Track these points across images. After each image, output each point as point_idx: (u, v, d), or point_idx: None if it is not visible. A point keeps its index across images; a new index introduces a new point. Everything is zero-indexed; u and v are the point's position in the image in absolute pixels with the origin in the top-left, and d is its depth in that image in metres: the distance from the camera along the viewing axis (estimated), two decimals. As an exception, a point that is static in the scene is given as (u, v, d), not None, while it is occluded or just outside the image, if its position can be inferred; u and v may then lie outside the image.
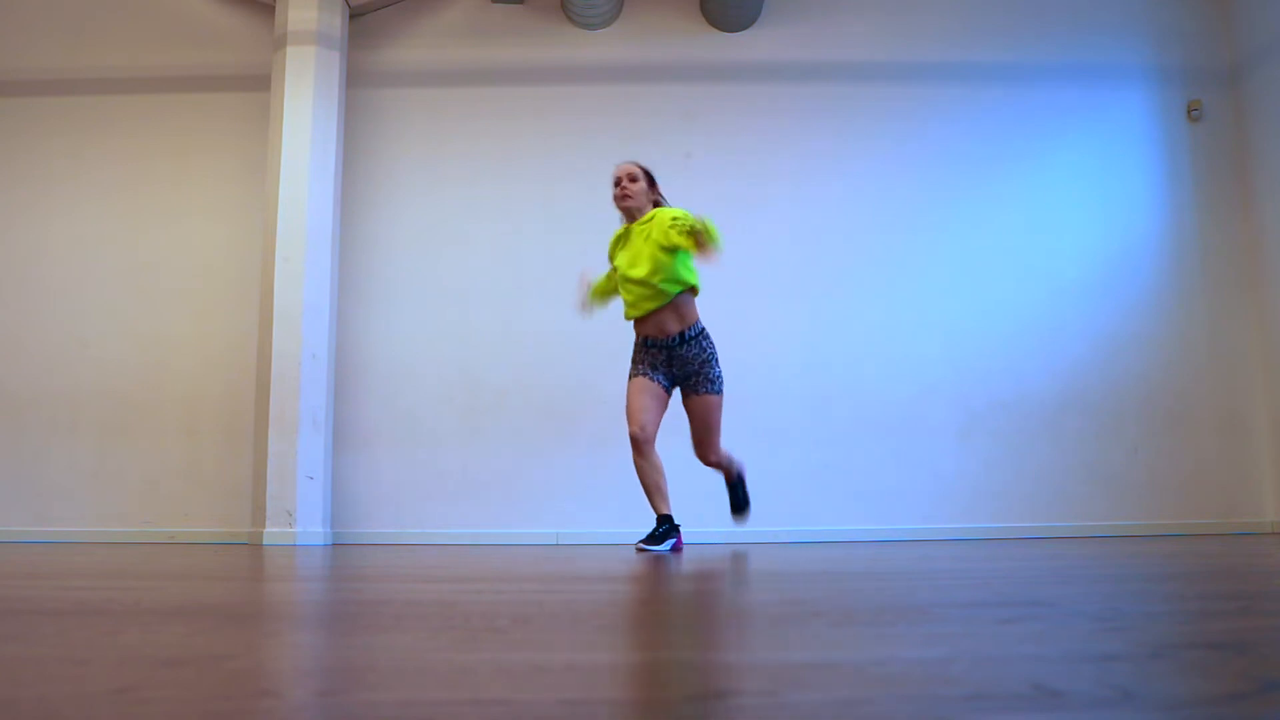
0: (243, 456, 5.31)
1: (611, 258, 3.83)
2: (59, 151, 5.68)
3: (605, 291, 3.90)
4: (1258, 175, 5.62)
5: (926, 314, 5.53)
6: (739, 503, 3.87)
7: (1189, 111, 5.78)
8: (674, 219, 3.49)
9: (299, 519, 4.97)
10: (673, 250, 3.52)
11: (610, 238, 3.88)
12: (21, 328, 5.53)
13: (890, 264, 5.58)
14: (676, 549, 3.55)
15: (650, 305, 3.58)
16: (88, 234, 5.60)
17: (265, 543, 4.89)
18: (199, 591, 1.80)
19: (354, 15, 5.70)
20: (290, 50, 5.36)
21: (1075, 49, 5.84)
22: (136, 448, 5.39)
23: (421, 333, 5.52)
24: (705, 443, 3.69)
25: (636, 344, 3.71)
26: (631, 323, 3.71)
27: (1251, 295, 5.62)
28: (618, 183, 3.75)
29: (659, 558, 3.10)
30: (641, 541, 3.55)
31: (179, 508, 5.34)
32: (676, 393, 3.72)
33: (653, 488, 3.56)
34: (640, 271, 3.55)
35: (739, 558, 3.05)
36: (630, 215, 3.73)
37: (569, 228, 5.61)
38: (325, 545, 4.95)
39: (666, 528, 3.54)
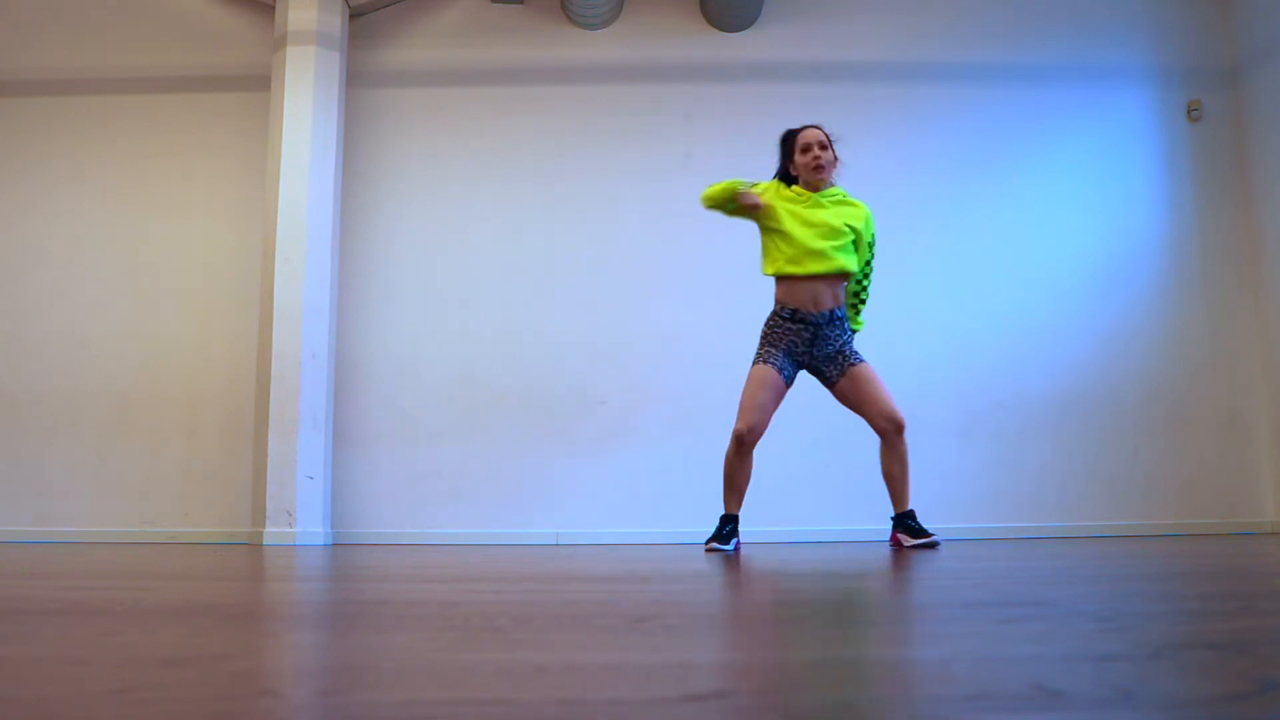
0: (243, 456, 5.31)
1: (758, 198, 3.58)
2: (59, 151, 5.68)
3: (727, 199, 3.60)
4: (1258, 175, 5.62)
5: (926, 314, 5.53)
6: (918, 531, 3.55)
7: (1189, 111, 5.77)
8: (871, 243, 3.69)
9: (299, 519, 4.97)
10: (855, 240, 3.60)
11: (768, 186, 3.66)
12: (21, 328, 5.53)
13: (889, 263, 5.54)
14: (737, 549, 3.55)
15: (816, 268, 3.52)
16: (88, 234, 5.60)
17: (265, 543, 4.90)
18: (199, 591, 1.80)
19: (354, 15, 5.70)
20: (290, 50, 5.36)
21: (1075, 49, 5.84)
22: (136, 448, 5.39)
23: (421, 333, 5.52)
24: (886, 404, 3.53)
25: (776, 318, 3.58)
26: (775, 289, 3.60)
27: (1251, 295, 5.62)
28: (808, 149, 3.60)
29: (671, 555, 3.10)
30: (711, 540, 3.52)
31: (179, 508, 5.34)
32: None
33: (735, 487, 3.55)
34: (827, 240, 3.53)
35: (738, 558, 3.05)
36: (817, 187, 3.62)
37: (569, 228, 5.62)
38: (325, 545, 4.95)
39: (732, 527, 3.54)
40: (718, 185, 3.63)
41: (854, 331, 3.74)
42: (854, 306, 3.75)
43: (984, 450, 5.42)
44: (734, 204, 3.61)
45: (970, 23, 5.86)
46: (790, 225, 3.56)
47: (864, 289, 3.76)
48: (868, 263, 3.73)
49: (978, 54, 5.83)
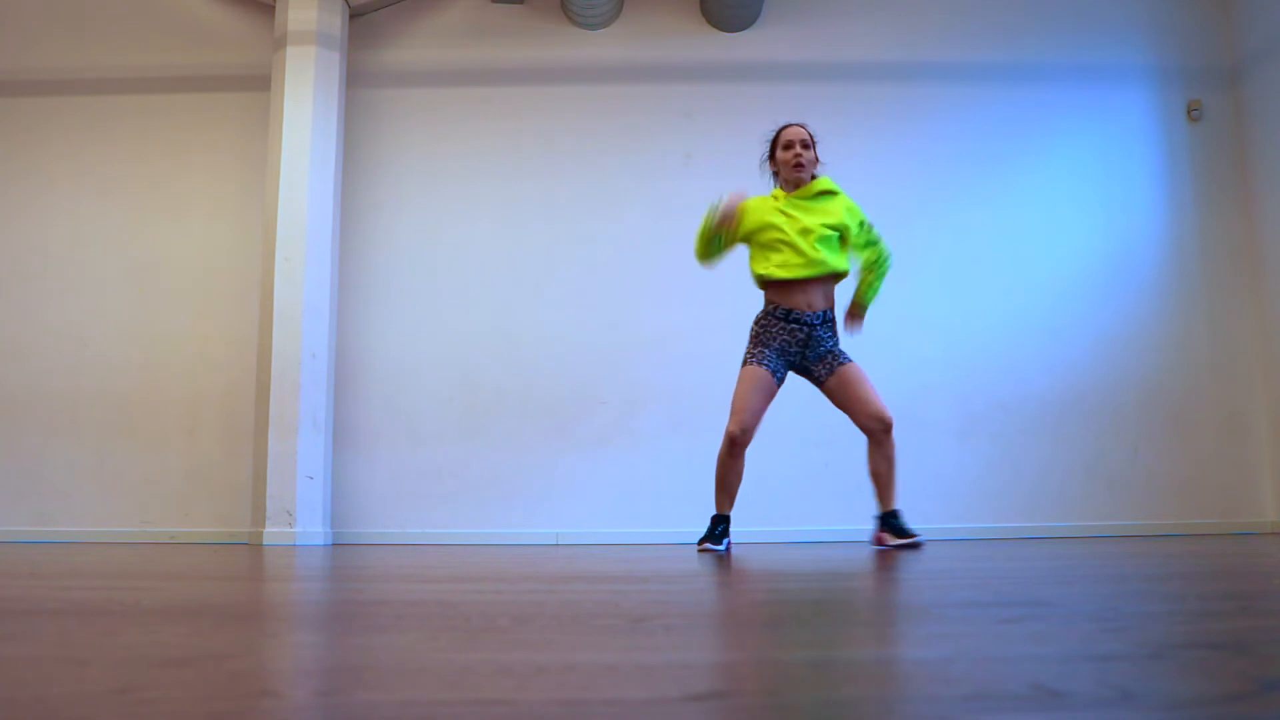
0: (243, 456, 5.31)
1: (741, 221, 3.58)
2: (59, 151, 5.68)
3: (726, 243, 3.65)
4: (1258, 175, 5.62)
5: (925, 313, 5.53)
6: (903, 530, 3.55)
7: (1189, 111, 5.78)
8: (861, 224, 3.63)
9: (299, 519, 4.97)
10: (841, 235, 3.57)
11: (752, 201, 3.62)
12: (21, 328, 5.53)
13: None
14: (729, 549, 3.56)
15: (807, 273, 3.51)
16: (88, 234, 5.60)
17: (265, 543, 4.90)
18: (199, 591, 1.80)
19: (354, 15, 5.70)
20: (290, 50, 5.36)
21: (1075, 49, 5.84)
22: (136, 448, 5.40)
23: (421, 333, 5.52)
24: (874, 404, 3.51)
25: (769, 318, 3.57)
26: (763, 293, 3.62)
27: (1251, 295, 5.62)
28: (789, 146, 3.61)
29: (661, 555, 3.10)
30: (704, 541, 3.52)
31: (179, 508, 5.34)
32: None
33: (727, 488, 3.55)
34: (817, 245, 3.51)
35: (737, 558, 3.05)
36: (796, 185, 3.62)
37: (569, 228, 5.62)
38: (325, 545, 4.95)
39: (724, 527, 3.55)
40: (698, 234, 3.63)
41: (867, 304, 3.72)
42: (874, 276, 3.71)
43: (983, 450, 5.42)
44: (720, 231, 3.59)
45: (970, 22, 5.86)
46: (780, 233, 3.53)
47: (880, 259, 3.70)
48: (871, 240, 3.68)
49: (977, 54, 5.83)
